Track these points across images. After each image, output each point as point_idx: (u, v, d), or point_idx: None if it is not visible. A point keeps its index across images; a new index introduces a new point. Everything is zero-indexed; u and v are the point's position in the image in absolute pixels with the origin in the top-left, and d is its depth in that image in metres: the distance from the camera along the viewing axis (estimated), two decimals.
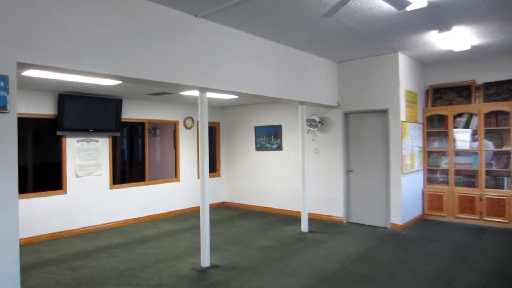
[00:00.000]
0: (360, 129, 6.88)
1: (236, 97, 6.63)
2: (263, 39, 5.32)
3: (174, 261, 4.83)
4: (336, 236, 5.96)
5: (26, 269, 4.53)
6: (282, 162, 8.07)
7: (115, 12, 3.56)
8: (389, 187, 6.42)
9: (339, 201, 7.01)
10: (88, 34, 3.34)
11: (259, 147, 8.50)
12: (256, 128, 8.54)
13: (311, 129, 7.26)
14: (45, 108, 6.10)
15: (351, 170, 6.98)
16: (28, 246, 5.59)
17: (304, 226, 6.35)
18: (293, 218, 7.38)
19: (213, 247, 5.20)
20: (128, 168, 7.77)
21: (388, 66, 6.38)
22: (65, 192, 6.32)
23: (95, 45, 3.39)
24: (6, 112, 2.82)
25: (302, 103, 6.29)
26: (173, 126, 8.23)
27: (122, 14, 3.62)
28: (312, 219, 7.03)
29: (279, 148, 8.11)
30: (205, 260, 4.63)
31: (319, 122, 7.10)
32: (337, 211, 7.05)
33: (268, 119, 8.34)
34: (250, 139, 8.69)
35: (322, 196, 7.26)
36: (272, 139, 8.23)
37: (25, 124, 6.00)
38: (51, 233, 6.11)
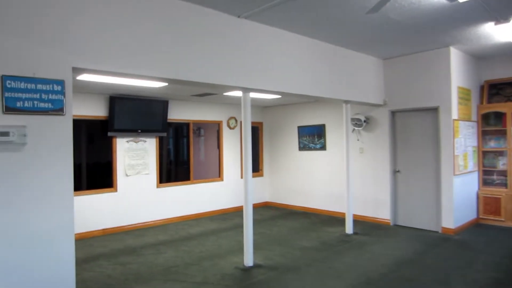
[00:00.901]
0: (408, 128, 6.60)
1: (279, 96, 6.60)
2: (306, 38, 5.26)
3: (217, 259, 4.90)
4: (382, 239, 5.76)
5: (80, 263, 4.79)
6: (326, 162, 7.94)
7: (161, 17, 3.67)
8: (440, 188, 6.10)
9: (385, 203, 6.77)
10: (136, 39, 3.47)
11: (302, 147, 8.41)
12: (299, 127, 8.46)
13: (356, 128, 7.07)
14: (97, 110, 6.43)
15: (398, 171, 6.72)
16: (82, 241, 5.92)
17: (349, 228, 6.19)
18: (336, 219, 7.24)
19: (256, 247, 5.21)
20: (174, 168, 8.00)
21: (438, 62, 6.07)
22: (116, 190, 6.62)
23: (143, 49, 3.51)
24: (63, 115, 3.00)
25: (346, 102, 6.14)
26: (217, 126, 8.36)
27: (168, 19, 3.72)
28: (357, 221, 6.84)
29: (323, 148, 7.98)
30: (248, 259, 4.65)
31: (364, 121, 6.91)
32: (383, 213, 6.82)
33: (312, 119, 8.24)
34: (293, 139, 8.63)
35: (367, 197, 7.05)
36: (316, 139, 8.12)
37: (80, 126, 6.36)
38: (103, 229, 6.43)
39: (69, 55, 3.04)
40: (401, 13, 4.34)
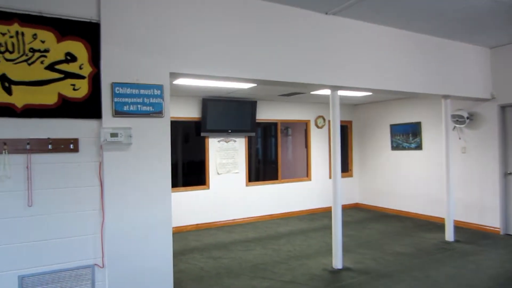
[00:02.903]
0: None
1: (370, 94, 6.32)
2: (397, 30, 4.93)
3: (306, 260, 4.87)
4: (490, 249, 5.14)
5: (176, 255, 5.15)
6: (422, 162, 7.36)
7: (250, 20, 3.75)
8: None
9: (494, 209, 6.03)
10: (226, 42, 3.60)
11: (395, 146, 7.93)
12: (392, 126, 7.98)
13: (457, 126, 6.43)
14: (191, 112, 6.85)
15: (510, 173, 5.93)
16: (178, 234, 6.36)
17: (449, 235, 5.65)
18: (434, 225, 6.67)
19: (345, 249, 5.05)
20: (262, 167, 8.16)
21: None
22: (208, 188, 6.99)
23: (233, 52, 3.64)
24: (162, 117, 3.26)
25: (445, 97, 5.62)
26: (305, 125, 8.31)
27: (257, 21, 3.79)
28: (459, 227, 6.22)
29: (418, 147, 7.42)
30: (337, 261, 4.53)
31: (467, 117, 6.23)
32: (491, 220, 6.08)
33: (405, 116, 7.71)
34: (385, 137, 8.18)
35: (471, 202, 6.36)
36: (410, 138, 7.58)
37: (176, 126, 6.84)
38: (196, 224, 6.84)
39: (167, 61, 3.29)
40: None
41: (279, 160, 7.90)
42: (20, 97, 2.77)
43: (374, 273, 4.34)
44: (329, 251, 5.02)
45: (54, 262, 2.90)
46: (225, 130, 7.00)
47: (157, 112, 3.23)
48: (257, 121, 7.43)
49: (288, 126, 8.38)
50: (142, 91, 3.15)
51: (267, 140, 8.28)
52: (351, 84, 4.48)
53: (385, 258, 4.87)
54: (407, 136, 7.64)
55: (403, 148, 7.74)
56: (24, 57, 2.78)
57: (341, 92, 5.09)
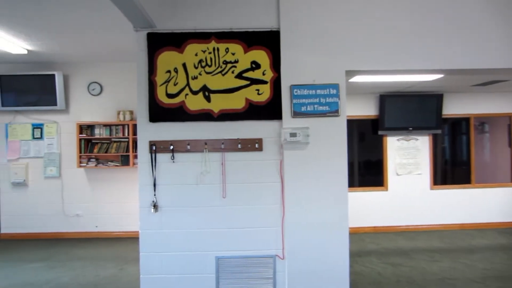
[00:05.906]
0: None
1: None
2: None
3: (510, 283, 4.04)
4: None
5: (352, 256, 5.05)
6: None
7: (427, 5, 3.34)
8: None
9: None
10: (406, 32, 3.30)
11: None
12: None
13: None
14: (367, 110, 6.62)
15: None
16: (354, 235, 6.24)
17: None
18: None
19: None
20: (450, 168, 7.22)
21: None
22: (386, 189, 6.61)
23: (414, 42, 3.30)
24: (338, 116, 3.25)
25: None
26: (508, 120, 6.94)
27: (435, 5, 3.35)
28: None
29: None
30: None
31: None
32: None
33: None
34: None
35: None
36: None
37: (351, 125, 6.73)
38: (374, 227, 6.56)
39: (342, 60, 3.25)
40: None
41: (472, 161, 6.83)
42: (216, 104, 3.22)
43: None
44: None
45: (243, 248, 3.26)
46: (405, 127, 6.49)
47: (333, 112, 3.23)
48: (443, 116, 6.61)
49: (484, 121, 7.16)
50: (318, 91, 3.21)
51: (457, 138, 7.28)
52: None
53: None
54: None
55: None
56: (219, 69, 3.23)
57: None
